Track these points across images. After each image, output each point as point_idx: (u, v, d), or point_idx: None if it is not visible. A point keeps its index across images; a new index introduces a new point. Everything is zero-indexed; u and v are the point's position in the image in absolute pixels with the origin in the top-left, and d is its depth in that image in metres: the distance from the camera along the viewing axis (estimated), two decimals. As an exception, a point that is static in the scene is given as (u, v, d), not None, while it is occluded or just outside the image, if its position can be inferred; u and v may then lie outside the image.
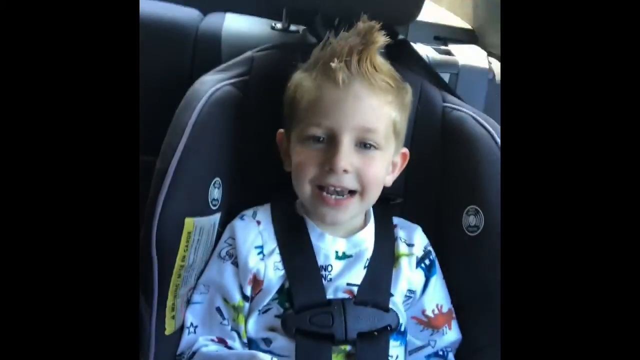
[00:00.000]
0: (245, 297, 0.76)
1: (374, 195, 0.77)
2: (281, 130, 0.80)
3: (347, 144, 0.72)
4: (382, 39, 0.74)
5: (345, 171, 0.72)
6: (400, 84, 0.78)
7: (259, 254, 0.77)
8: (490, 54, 1.10)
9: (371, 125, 0.73)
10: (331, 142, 0.73)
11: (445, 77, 1.00)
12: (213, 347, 0.75)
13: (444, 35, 1.14)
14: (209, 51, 0.99)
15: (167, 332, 0.75)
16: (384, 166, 0.76)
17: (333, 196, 0.74)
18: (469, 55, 1.07)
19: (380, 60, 0.75)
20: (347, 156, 0.72)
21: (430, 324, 0.81)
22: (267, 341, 0.75)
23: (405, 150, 0.82)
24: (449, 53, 1.06)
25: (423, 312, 0.81)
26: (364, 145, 0.73)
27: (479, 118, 0.85)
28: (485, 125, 0.83)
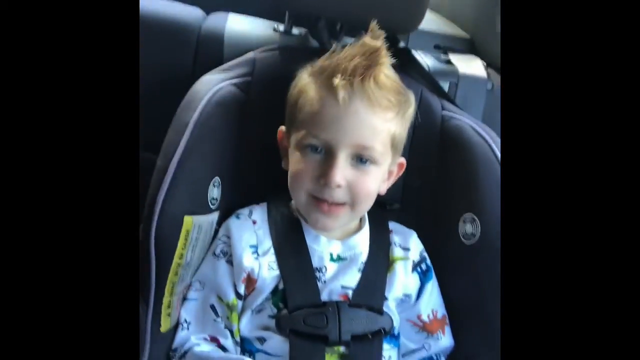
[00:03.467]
0: (239, 295, 0.76)
1: (365, 206, 0.78)
2: (282, 127, 0.80)
3: (342, 159, 0.72)
4: (387, 60, 0.73)
5: (338, 186, 0.72)
6: (403, 97, 0.77)
7: (253, 253, 0.77)
8: (488, 64, 1.11)
9: (368, 143, 0.73)
10: (328, 155, 0.73)
11: (445, 85, 1.00)
12: (205, 347, 0.75)
13: (443, 44, 1.14)
14: (211, 51, 0.99)
15: (162, 330, 0.75)
16: (378, 179, 0.77)
17: (326, 204, 0.74)
18: (468, 65, 1.08)
19: (386, 76, 0.74)
20: (342, 171, 0.72)
21: (425, 329, 0.81)
22: (261, 340, 0.75)
23: (403, 160, 0.82)
24: (449, 62, 1.07)
25: (419, 317, 0.81)
26: (360, 159, 0.73)
27: (476, 127, 0.85)
28: (483, 134, 0.84)
